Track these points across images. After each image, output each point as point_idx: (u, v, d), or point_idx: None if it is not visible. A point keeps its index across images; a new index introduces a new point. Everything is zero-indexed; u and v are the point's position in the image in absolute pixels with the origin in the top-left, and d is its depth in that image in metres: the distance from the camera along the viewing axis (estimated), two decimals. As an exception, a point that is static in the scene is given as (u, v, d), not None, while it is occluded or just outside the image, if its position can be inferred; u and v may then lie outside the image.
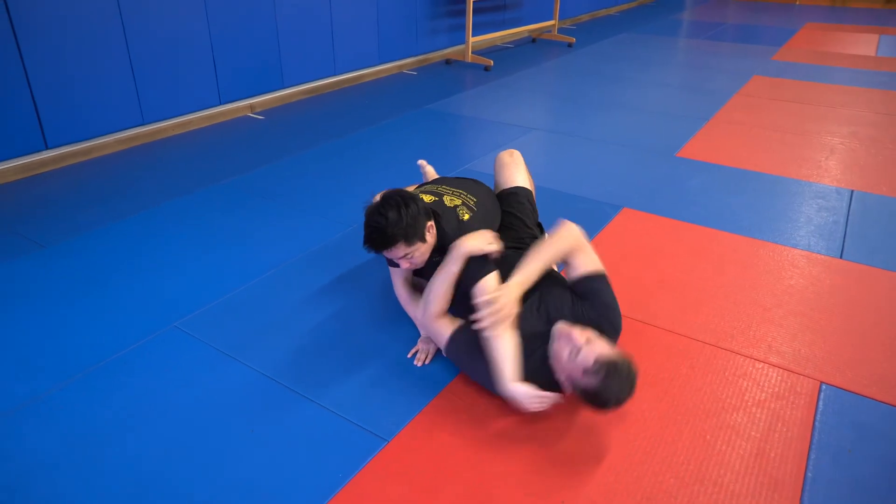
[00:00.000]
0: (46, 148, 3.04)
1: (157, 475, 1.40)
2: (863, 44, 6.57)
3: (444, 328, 1.67)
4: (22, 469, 1.41)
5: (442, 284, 1.67)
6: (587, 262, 1.71)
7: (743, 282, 2.19)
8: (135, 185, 2.92)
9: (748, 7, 9.51)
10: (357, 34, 4.56)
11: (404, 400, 1.63)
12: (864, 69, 5.37)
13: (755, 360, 1.80)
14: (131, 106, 3.33)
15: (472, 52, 5.29)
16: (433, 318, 1.68)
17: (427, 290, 1.71)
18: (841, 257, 2.36)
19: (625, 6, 8.91)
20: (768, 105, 4.28)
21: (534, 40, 6.32)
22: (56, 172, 3.06)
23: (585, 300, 1.67)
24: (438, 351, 1.78)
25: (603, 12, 8.20)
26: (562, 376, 1.49)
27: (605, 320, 1.64)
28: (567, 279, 1.75)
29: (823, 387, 1.70)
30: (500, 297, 1.55)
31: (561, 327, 1.52)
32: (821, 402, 1.65)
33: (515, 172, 2.10)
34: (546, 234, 1.98)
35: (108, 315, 1.96)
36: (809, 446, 1.51)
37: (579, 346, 1.44)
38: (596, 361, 1.40)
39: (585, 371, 1.40)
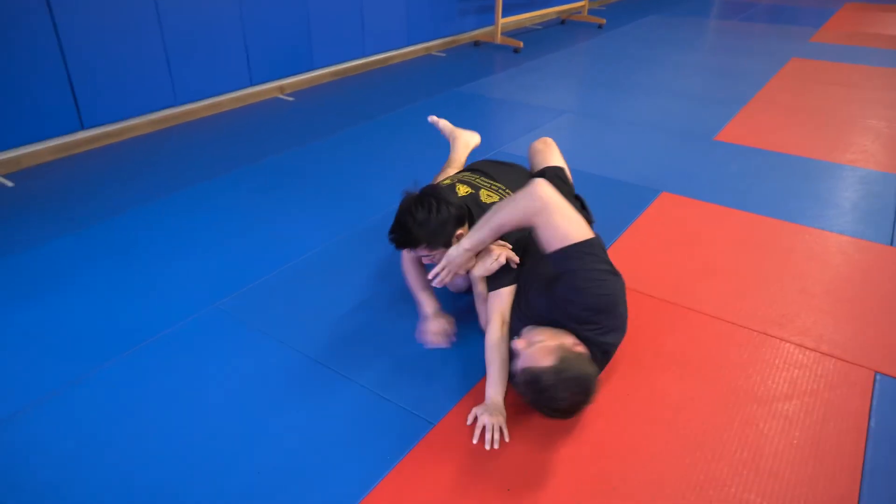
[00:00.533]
0: (82, 128, 3.06)
1: (202, 454, 1.41)
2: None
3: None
4: (71, 447, 1.43)
5: (482, 308, 1.70)
6: (553, 234, 1.42)
7: (789, 268, 2.13)
8: (169, 167, 2.93)
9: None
10: (386, 15, 4.51)
11: (446, 384, 1.62)
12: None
13: (805, 348, 1.76)
14: (164, 87, 3.33)
15: (502, 34, 5.21)
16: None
17: (482, 319, 1.73)
18: (892, 244, 2.29)
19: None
20: (808, 88, 4.16)
21: (563, 21, 6.21)
22: (92, 153, 3.08)
23: (554, 287, 1.46)
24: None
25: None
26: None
27: (562, 314, 1.44)
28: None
29: (878, 376, 1.65)
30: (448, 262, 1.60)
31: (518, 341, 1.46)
32: (876, 392, 1.60)
33: (549, 157, 2.06)
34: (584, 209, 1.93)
35: (150, 295, 1.97)
36: (866, 437, 1.47)
37: (517, 350, 1.41)
38: (522, 372, 1.37)
39: (515, 383, 1.40)
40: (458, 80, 4.28)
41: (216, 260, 2.17)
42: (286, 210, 2.51)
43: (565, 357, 1.34)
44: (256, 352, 1.73)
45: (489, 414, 1.44)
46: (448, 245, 1.63)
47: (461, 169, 2.18)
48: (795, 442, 1.46)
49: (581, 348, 1.40)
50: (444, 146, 2.92)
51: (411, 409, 1.53)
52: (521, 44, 5.06)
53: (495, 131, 3.39)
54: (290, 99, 3.87)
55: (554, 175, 1.95)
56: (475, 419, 1.46)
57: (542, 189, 1.44)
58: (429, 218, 1.58)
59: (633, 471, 1.38)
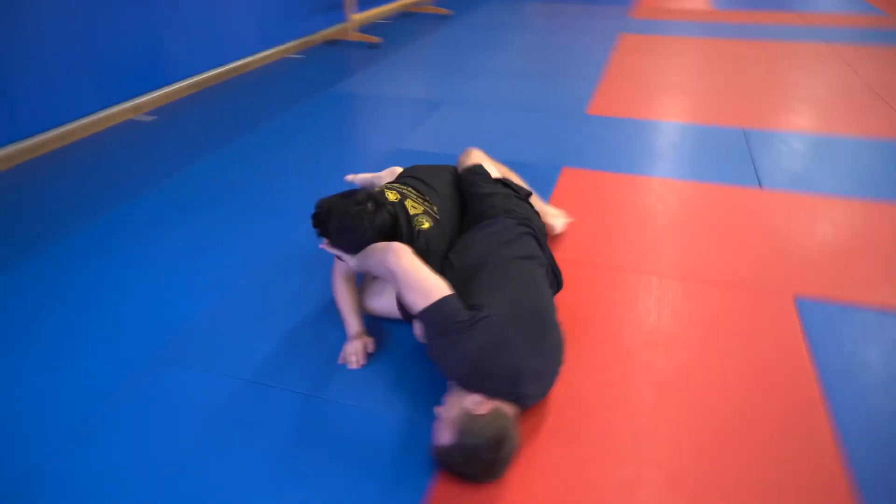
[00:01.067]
0: None
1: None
2: (697, -2, 7.29)
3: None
4: None
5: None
6: (411, 300, 1.44)
7: (690, 219, 2.39)
8: (35, 211, 2.53)
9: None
10: (237, 20, 4.26)
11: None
12: (709, 21, 5.97)
13: (728, 286, 1.98)
14: (2, 121, 2.86)
15: (354, 31, 5.14)
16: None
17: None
18: (760, 186, 2.64)
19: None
20: (648, 60, 4.62)
21: (407, 14, 6.28)
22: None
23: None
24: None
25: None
26: None
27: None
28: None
29: (799, 300, 1.92)
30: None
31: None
32: (802, 313, 1.85)
33: (468, 158, 2.11)
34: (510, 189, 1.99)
35: (68, 363, 1.71)
36: (807, 346, 1.70)
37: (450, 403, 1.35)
38: (435, 448, 1.32)
39: (445, 435, 1.30)
40: (326, 82, 4.17)
41: (132, 308, 1.93)
42: (193, 241, 2.30)
43: (468, 427, 1.26)
44: (239, 398, 1.58)
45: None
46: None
47: (394, 179, 2.12)
48: (747, 382, 1.65)
49: (485, 406, 1.29)
50: (336, 149, 2.86)
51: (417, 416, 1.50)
52: (380, 39, 5.04)
53: (384, 131, 3.36)
54: (152, 118, 3.51)
55: (472, 172, 2.02)
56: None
57: (392, 257, 1.48)
58: (343, 224, 1.64)
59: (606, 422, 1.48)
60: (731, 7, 6.72)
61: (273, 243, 2.25)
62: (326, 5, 5.23)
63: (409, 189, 1.90)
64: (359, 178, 2.46)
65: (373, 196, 1.69)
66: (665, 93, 3.88)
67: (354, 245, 1.65)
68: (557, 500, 1.29)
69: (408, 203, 1.83)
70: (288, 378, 1.62)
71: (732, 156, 2.94)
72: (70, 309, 1.91)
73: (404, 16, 6.26)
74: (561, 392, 1.54)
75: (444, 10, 6.23)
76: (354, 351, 1.68)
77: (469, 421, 1.26)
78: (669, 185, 2.67)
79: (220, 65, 4.17)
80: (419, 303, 1.38)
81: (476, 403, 1.30)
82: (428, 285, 1.39)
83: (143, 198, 2.60)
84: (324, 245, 1.72)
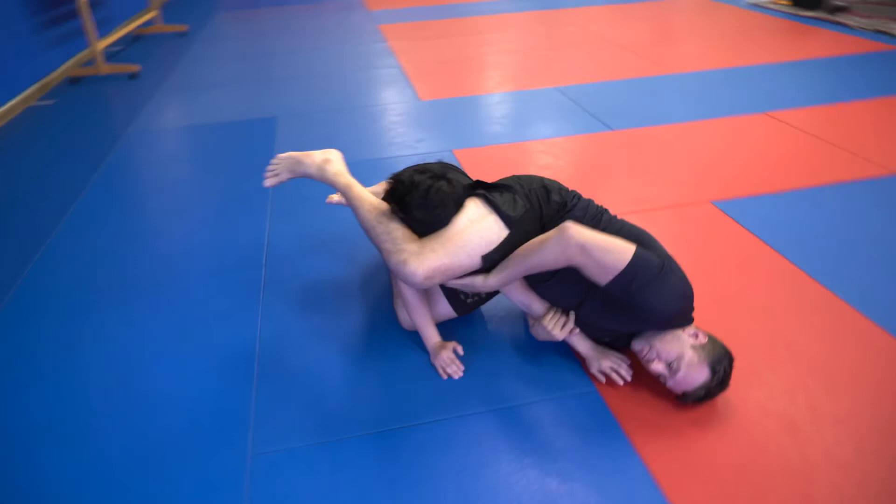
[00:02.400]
0: None
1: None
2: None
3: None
4: None
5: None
6: (600, 269, 1.43)
7: (586, 166, 2.75)
8: None
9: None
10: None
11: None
12: (443, 4, 6.54)
13: (657, 209, 2.39)
14: None
15: (90, 63, 4.37)
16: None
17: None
18: (610, 129, 3.15)
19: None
20: (424, 44, 4.92)
21: (137, 37, 5.53)
22: None
23: (629, 311, 1.48)
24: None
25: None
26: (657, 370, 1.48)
27: (654, 325, 1.49)
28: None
29: (716, 203, 2.40)
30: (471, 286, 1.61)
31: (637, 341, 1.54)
32: (729, 212, 2.34)
33: None
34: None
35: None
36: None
37: (660, 374, 1.46)
38: (691, 394, 1.44)
39: (698, 387, 1.43)
40: (112, 125, 3.53)
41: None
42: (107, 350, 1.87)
43: (708, 357, 1.41)
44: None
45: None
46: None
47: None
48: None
49: (700, 335, 1.45)
50: (198, 185, 2.59)
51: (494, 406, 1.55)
52: (139, 67, 4.39)
53: (234, 159, 3.03)
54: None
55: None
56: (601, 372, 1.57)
57: (573, 231, 1.39)
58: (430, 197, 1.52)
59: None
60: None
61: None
62: (58, 36, 4.35)
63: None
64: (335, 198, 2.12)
65: (448, 169, 1.63)
66: (470, 69, 4.22)
67: (431, 224, 1.54)
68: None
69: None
70: (419, 411, 1.51)
71: (569, 111, 3.41)
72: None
73: (136, 40, 5.50)
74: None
75: (180, 27, 5.65)
76: (451, 360, 1.64)
77: (712, 350, 1.42)
78: (548, 143, 3.00)
79: (-39, 128, 3.23)
80: (622, 259, 1.34)
81: (692, 335, 1.43)
82: (618, 242, 1.38)
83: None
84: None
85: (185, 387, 1.61)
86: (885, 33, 4.59)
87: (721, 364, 1.41)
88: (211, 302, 1.95)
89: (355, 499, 1.29)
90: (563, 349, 1.69)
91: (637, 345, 1.51)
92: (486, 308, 1.89)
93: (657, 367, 1.44)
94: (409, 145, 3.04)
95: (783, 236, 2.15)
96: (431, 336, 1.68)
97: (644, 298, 1.37)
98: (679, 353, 1.41)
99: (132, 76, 4.37)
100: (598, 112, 3.36)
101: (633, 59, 4.31)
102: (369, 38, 5.23)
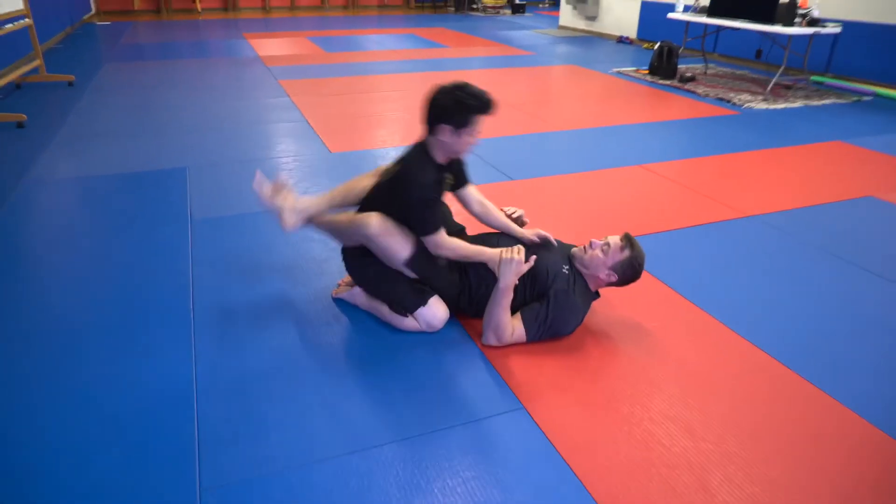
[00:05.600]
0: None
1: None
2: (302, 44, 8.06)
3: (519, 333, 1.98)
4: None
5: (503, 315, 1.94)
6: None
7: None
8: None
9: (172, 26, 9.91)
10: None
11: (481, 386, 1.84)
12: (332, 63, 6.78)
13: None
14: None
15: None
16: (510, 337, 1.96)
17: (493, 324, 1.94)
18: (511, 179, 3.46)
19: (59, 36, 7.94)
20: (333, 100, 5.09)
21: (18, 86, 5.24)
22: None
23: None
24: None
25: (45, 46, 7.15)
26: (602, 273, 2.02)
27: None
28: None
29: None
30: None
31: (577, 250, 2.09)
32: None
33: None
34: None
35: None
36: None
37: (603, 242, 2.03)
38: (622, 240, 2.02)
39: (622, 249, 2.00)
40: (3, 176, 3.35)
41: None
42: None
43: (628, 242, 2.02)
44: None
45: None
46: None
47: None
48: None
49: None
50: (110, 237, 2.58)
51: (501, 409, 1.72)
52: (24, 116, 4.17)
53: (162, 207, 3.00)
54: None
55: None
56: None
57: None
58: None
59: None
60: (340, 50, 7.70)
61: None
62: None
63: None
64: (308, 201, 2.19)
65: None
66: (374, 124, 4.44)
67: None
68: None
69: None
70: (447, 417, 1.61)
71: (472, 162, 3.70)
72: None
73: (17, 88, 5.21)
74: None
75: (67, 77, 5.42)
76: (516, 249, 1.94)
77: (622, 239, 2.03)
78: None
79: None
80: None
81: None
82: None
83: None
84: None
85: (124, 425, 1.60)
86: (725, 101, 5.41)
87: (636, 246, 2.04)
88: (143, 349, 1.93)
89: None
90: (476, 374, 1.87)
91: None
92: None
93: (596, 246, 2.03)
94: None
95: (664, 269, 2.50)
96: (488, 249, 2.00)
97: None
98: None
99: (19, 125, 4.15)
100: (498, 163, 3.68)
101: (523, 117, 4.75)
102: (271, 92, 5.33)
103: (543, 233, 2.13)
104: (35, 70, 5.32)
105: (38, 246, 2.62)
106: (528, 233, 2.14)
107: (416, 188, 1.89)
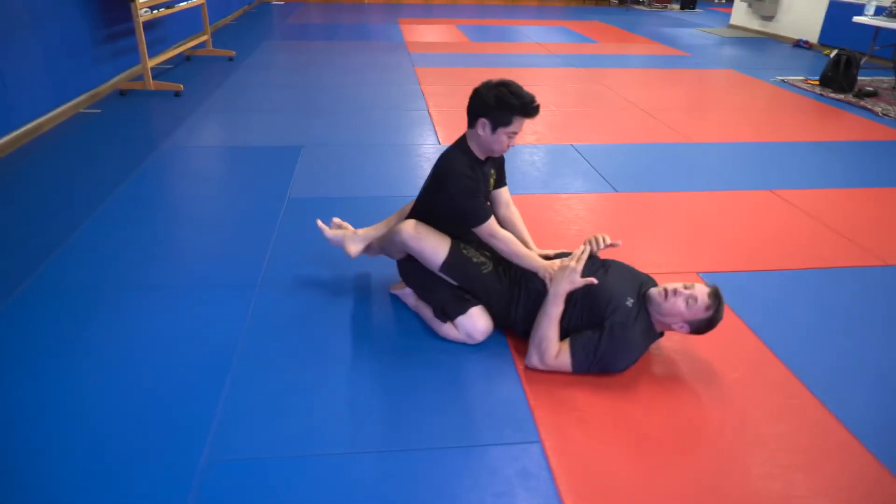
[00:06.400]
0: None
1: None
2: (450, 32, 8.16)
3: (565, 360, 1.82)
4: None
5: (550, 329, 1.82)
6: None
7: (600, 222, 2.84)
8: None
9: (338, 8, 10.53)
10: (25, 74, 3.60)
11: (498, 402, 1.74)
12: (476, 53, 6.78)
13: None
14: None
15: (141, 79, 4.67)
16: (553, 359, 1.82)
17: (538, 339, 1.83)
18: (615, 191, 3.24)
19: (237, 14, 8.80)
20: (460, 90, 5.11)
21: (188, 58, 5.88)
22: None
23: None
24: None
25: (221, 22, 7.97)
26: (676, 324, 1.83)
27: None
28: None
29: (702, 275, 2.46)
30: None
31: (655, 292, 1.86)
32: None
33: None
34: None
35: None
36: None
37: (689, 294, 1.79)
38: (709, 297, 1.78)
39: (707, 309, 1.78)
40: (150, 137, 3.77)
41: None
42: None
43: (716, 301, 1.80)
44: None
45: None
46: None
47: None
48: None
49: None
50: (225, 202, 2.73)
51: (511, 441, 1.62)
52: (181, 86, 4.67)
53: (259, 182, 3.21)
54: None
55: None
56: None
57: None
58: None
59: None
60: (485, 40, 7.70)
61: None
62: (112, 51, 4.68)
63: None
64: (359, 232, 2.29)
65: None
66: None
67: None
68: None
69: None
70: (394, 438, 1.59)
71: (580, 169, 3.52)
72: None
73: (186, 60, 5.85)
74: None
75: (229, 52, 5.98)
76: (578, 257, 1.87)
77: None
78: (552, 199, 3.11)
79: (11, 130, 3.49)
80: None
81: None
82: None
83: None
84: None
85: (157, 387, 1.73)
86: (909, 122, 4.62)
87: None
88: (202, 310, 2.08)
89: (295, 516, 1.38)
90: (503, 395, 1.76)
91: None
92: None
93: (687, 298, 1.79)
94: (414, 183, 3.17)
95: (759, 314, 2.19)
96: (537, 258, 1.94)
97: None
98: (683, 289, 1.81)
99: (177, 94, 4.64)
100: (607, 172, 3.46)
101: (654, 124, 4.41)
102: (405, 79, 5.46)
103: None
104: (203, 44, 5.92)
105: (157, 203, 2.91)
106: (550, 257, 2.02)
107: (454, 178, 1.87)
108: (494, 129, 1.84)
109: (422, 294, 2.04)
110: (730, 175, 3.51)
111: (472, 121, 1.89)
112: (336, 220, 2.32)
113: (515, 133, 1.86)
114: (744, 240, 2.75)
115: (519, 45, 7.47)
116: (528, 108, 1.81)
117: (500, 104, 1.80)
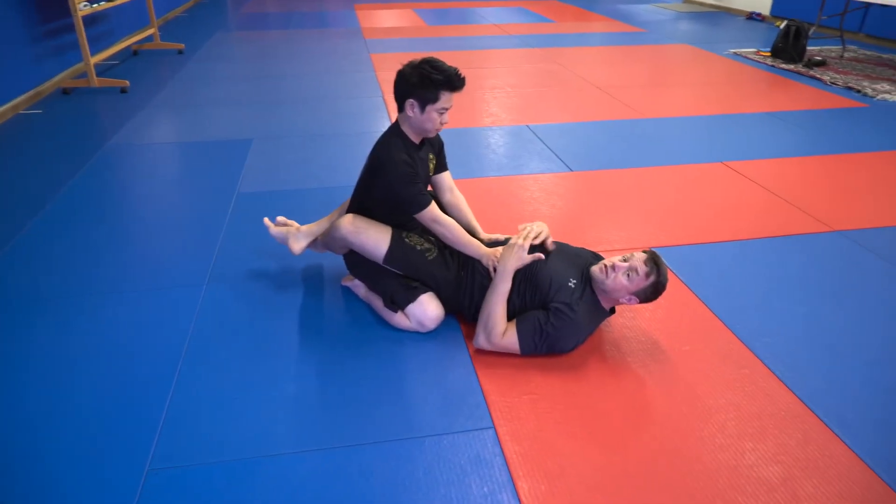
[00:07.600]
0: None
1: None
2: (406, 16, 8.06)
3: (512, 341, 1.81)
4: None
5: (497, 305, 1.81)
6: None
7: (518, 205, 2.84)
8: None
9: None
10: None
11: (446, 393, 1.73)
12: (434, 37, 6.71)
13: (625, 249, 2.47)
14: None
15: (83, 76, 4.51)
16: (500, 338, 1.81)
17: (485, 317, 1.81)
18: (570, 170, 3.24)
19: (188, 5, 8.55)
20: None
21: (135, 53, 5.69)
22: None
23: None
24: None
25: (171, 14, 7.74)
26: (623, 298, 1.82)
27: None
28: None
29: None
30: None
31: (596, 272, 1.84)
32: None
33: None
34: None
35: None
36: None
37: (629, 266, 1.79)
38: (646, 264, 1.79)
39: (647, 276, 1.77)
40: (94, 136, 3.65)
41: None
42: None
43: (654, 266, 1.80)
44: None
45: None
46: None
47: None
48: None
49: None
50: (175, 198, 2.66)
51: (465, 429, 1.61)
52: (128, 82, 4.52)
53: (209, 177, 3.13)
54: None
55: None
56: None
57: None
58: None
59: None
60: (442, 23, 7.61)
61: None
62: (53, 48, 4.50)
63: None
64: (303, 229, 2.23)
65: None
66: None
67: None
68: (618, 446, 1.55)
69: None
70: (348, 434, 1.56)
71: (536, 149, 3.51)
72: None
73: (133, 55, 5.66)
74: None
75: (177, 45, 5.81)
76: (526, 234, 1.88)
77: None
78: (505, 180, 3.09)
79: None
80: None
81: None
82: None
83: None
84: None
85: (102, 395, 1.67)
86: (856, 90, 4.71)
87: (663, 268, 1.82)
88: (149, 311, 2.02)
89: (242, 519, 1.35)
90: (455, 382, 1.75)
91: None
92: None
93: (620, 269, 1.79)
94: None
95: (707, 285, 2.21)
96: (480, 245, 1.94)
97: None
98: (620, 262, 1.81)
99: (123, 90, 4.50)
100: (561, 151, 3.45)
101: (608, 101, 4.42)
102: (360, 66, 5.37)
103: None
104: (150, 38, 5.73)
105: (102, 203, 2.81)
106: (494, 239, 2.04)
107: (391, 165, 1.83)
108: (423, 107, 1.80)
109: (370, 285, 2.01)
110: (683, 149, 3.54)
111: (400, 104, 1.85)
112: (280, 218, 2.26)
113: (446, 109, 1.83)
114: (696, 213, 2.77)
115: (476, 27, 7.41)
116: (452, 80, 1.78)
117: (424, 81, 1.77)
